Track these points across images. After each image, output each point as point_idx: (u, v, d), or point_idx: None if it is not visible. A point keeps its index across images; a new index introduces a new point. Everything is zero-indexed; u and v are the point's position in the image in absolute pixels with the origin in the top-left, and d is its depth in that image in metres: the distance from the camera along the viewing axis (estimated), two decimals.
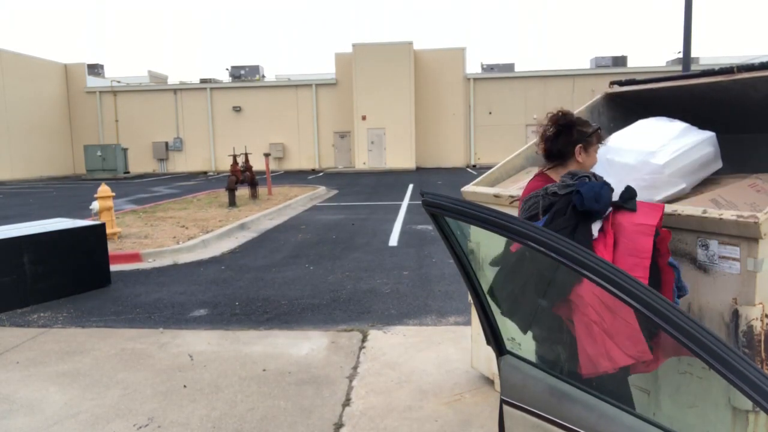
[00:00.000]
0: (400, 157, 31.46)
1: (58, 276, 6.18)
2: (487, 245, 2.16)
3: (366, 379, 3.89)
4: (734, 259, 2.08)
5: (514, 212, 2.27)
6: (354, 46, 31.35)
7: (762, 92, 2.88)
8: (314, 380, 3.89)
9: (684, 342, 1.13)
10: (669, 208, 2.26)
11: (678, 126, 2.68)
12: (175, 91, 34.65)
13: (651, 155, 2.54)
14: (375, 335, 4.76)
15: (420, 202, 1.70)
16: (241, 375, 4.01)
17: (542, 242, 1.35)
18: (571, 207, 1.98)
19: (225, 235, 9.92)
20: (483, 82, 33.08)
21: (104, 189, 8.95)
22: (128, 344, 4.69)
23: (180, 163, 34.60)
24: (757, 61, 3.02)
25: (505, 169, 3.61)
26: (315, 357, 4.32)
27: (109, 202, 8.97)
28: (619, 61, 33.52)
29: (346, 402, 3.56)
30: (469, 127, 33.16)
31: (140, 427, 3.30)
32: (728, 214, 2.08)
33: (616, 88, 3.66)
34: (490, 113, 32.96)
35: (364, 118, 31.58)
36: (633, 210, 1.96)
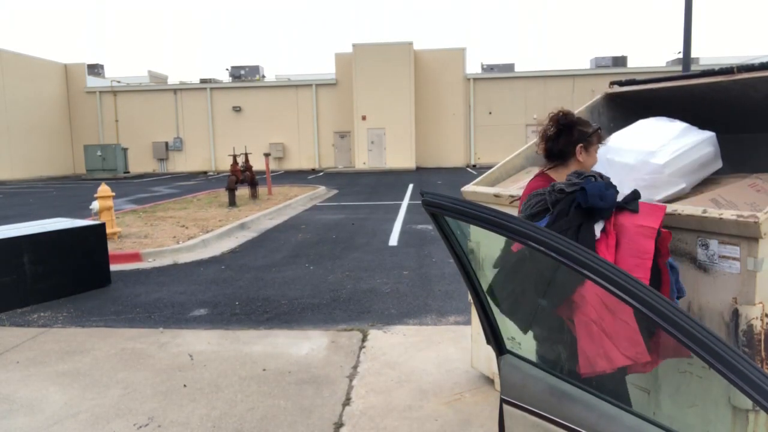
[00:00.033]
0: (400, 157, 31.47)
1: (58, 276, 6.18)
2: (487, 245, 2.16)
3: (366, 379, 3.90)
4: (734, 259, 2.08)
5: (514, 212, 2.28)
6: (354, 46, 31.35)
7: (762, 92, 2.88)
8: (314, 380, 3.90)
9: (684, 341, 1.13)
10: (669, 208, 2.26)
11: (678, 126, 2.69)
12: (175, 91, 34.65)
13: (651, 155, 2.54)
14: (375, 335, 4.76)
15: (420, 202, 1.70)
16: (241, 375, 4.01)
17: (542, 242, 1.35)
18: (575, 206, 1.98)
19: (225, 234, 9.92)
20: (483, 82, 33.08)
21: (104, 189, 8.95)
22: (128, 344, 4.69)
23: (180, 163, 34.60)
24: (757, 61, 3.02)
25: (505, 169, 3.61)
26: (315, 356, 4.32)
27: (109, 202, 8.97)
28: (619, 61, 33.53)
29: (346, 401, 3.57)
30: (469, 127, 33.17)
31: (140, 427, 3.30)
32: (728, 214, 2.08)
33: (616, 88, 3.66)
34: (490, 113, 32.97)
35: (364, 118, 31.59)
36: (635, 211, 1.96)
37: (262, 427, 3.28)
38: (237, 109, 33.92)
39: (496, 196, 3.28)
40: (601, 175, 2.07)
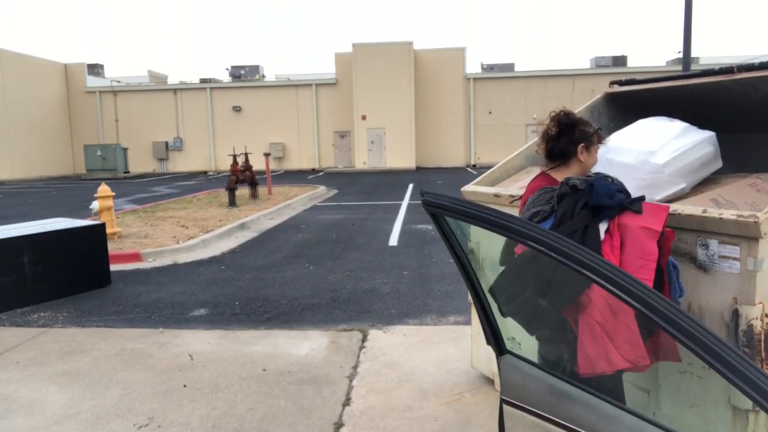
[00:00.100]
0: (400, 157, 31.47)
1: (58, 276, 6.18)
2: (487, 245, 2.16)
3: (366, 379, 3.89)
4: (734, 259, 2.08)
5: (514, 212, 2.27)
6: (354, 46, 31.35)
7: (762, 92, 2.88)
8: (314, 380, 3.90)
9: (685, 342, 1.13)
10: (669, 208, 2.26)
11: (678, 126, 2.69)
12: (175, 90, 34.65)
13: (651, 155, 2.54)
14: (375, 335, 4.76)
15: (420, 202, 1.70)
16: (241, 375, 4.01)
17: (542, 242, 1.35)
18: (581, 207, 1.98)
19: (225, 234, 9.92)
20: (483, 82, 33.08)
21: (104, 189, 8.95)
22: (128, 344, 4.69)
23: (180, 163, 34.60)
24: (757, 61, 3.02)
25: (505, 169, 3.61)
26: (315, 357, 4.32)
27: (109, 202, 8.97)
28: (619, 61, 33.53)
29: (346, 402, 3.57)
30: (469, 126, 33.17)
31: (140, 427, 3.30)
32: (728, 214, 2.08)
33: (616, 88, 3.66)
34: (490, 113, 32.97)
35: (364, 117, 31.59)
36: (638, 212, 1.96)
37: (262, 427, 3.28)
38: (237, 109, 33.92)
39: (496, 196, 3.28)
40: (613, 179, 2.07)
